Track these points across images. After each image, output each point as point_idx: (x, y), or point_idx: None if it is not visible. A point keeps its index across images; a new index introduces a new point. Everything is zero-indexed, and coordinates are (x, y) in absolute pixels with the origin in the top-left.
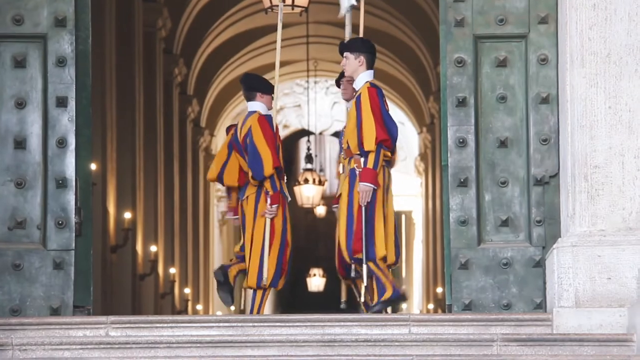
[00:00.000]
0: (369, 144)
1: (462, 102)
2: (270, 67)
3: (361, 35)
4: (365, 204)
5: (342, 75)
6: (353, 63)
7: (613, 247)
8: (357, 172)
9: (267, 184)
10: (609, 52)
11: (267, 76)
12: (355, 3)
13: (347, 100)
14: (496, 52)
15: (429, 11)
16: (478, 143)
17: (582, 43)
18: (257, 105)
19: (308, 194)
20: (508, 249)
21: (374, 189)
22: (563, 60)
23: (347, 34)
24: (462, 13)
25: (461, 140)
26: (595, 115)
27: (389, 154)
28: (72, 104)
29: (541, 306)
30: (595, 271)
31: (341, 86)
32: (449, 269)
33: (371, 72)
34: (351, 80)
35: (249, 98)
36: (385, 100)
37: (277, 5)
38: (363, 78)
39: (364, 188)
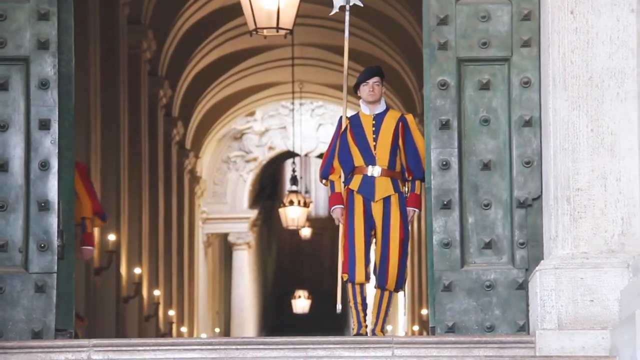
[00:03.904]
0: (87, 211)
1: (445, 125)
2: (255, 89)
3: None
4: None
5: (362, 79)
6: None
7: (595, 270)
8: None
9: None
10: (591, 76)
11: (252, 98)
12: (344, 3)
13: (371, 102)
14: (479, 75)
15: (413, 34)
16: (461, 165)
17: (564, 66)
18: None
19: (293, 215)
20: (491, 271)
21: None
22: (546, 84)
23: (346, 36)
24: (446, 36)
25: (444, 163)
26: (577, 138)
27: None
28: (54, 126)
29: (524, 328)
30: (578, 293)
31: (367, 88)
32: (432, 291)
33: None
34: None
35: None
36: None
37: (263, 28)
38: None
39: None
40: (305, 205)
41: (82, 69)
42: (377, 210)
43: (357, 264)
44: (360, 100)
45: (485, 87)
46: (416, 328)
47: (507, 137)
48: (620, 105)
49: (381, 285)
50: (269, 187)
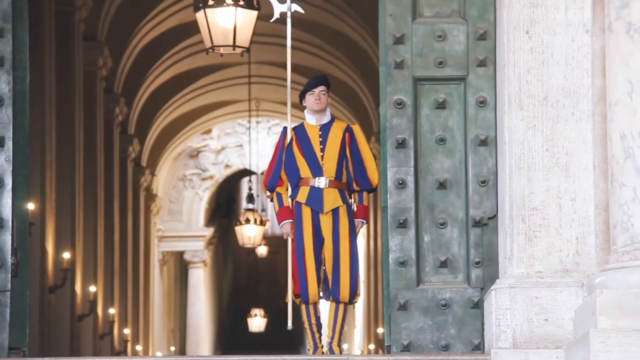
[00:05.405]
0: None
1: (401, 144)
2: (212, 107)
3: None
4: None
5: (309, 86)
6: None
7: (550, 289)
8: None
9: None
10: (547, 95)
11: (209, 116)
12: (285, 10)
13: (317, 111)
14: (435, 94)
15: (370, 52)
16: (417, 184)
17: (520, 86)
18: None
19: (249, 233)
20: (447, 290)
21: None
22: (501, 103)
23: (289, 45)
24: (402, 55)
25: (400, 182)
26: (532, 157)
27: None
28: (9, 144)
29: (479, 347)
30: (533, 312)
31: (313, 97)
32: (388, 310)
33: None
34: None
35: None
36: None
37: (219, 46)
38: None
39: None
40: (262, 223)
41: (37, 86)
42: (325, 222)
43: (309, 284)
44: (305, 111)
45: (441, 106)
46: (372, 347)
47: (463, 156)
48: (575, 125)
49: (335, 298)
50: (225, 205)
